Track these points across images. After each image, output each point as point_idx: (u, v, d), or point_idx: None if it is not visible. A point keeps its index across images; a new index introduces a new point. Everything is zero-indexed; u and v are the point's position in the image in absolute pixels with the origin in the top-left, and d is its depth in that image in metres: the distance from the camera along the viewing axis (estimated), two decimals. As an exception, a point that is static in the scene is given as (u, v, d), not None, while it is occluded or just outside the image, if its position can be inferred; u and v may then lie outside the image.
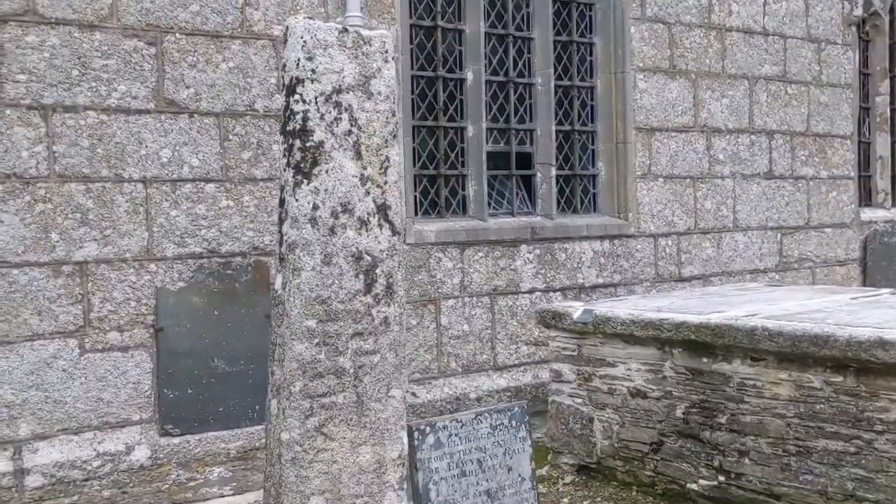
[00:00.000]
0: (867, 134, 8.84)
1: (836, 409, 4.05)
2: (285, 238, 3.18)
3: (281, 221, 3.23)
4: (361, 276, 3.26)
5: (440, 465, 3.70)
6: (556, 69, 6.59)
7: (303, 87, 3.19)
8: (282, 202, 3.24)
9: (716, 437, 4.49)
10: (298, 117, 3.18)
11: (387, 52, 3.38)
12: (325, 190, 3.20)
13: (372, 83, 3.33)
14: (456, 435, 3.76)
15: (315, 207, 3.18)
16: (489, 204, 6.29)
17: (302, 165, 3.18)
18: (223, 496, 4.98)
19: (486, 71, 6.25)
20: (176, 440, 4.91)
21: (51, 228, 4.61)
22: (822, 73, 8.04)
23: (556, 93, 6.60)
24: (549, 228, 6.40)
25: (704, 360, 4.54)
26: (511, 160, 6.47)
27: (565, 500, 4.83)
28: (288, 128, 3.21)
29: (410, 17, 5.90)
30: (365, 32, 3.35)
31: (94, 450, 4.70)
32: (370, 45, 3.34)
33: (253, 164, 5.16)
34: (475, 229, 6.06)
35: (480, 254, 6.04)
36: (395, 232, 3.37)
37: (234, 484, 5.02)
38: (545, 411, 5.45)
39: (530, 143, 6.57)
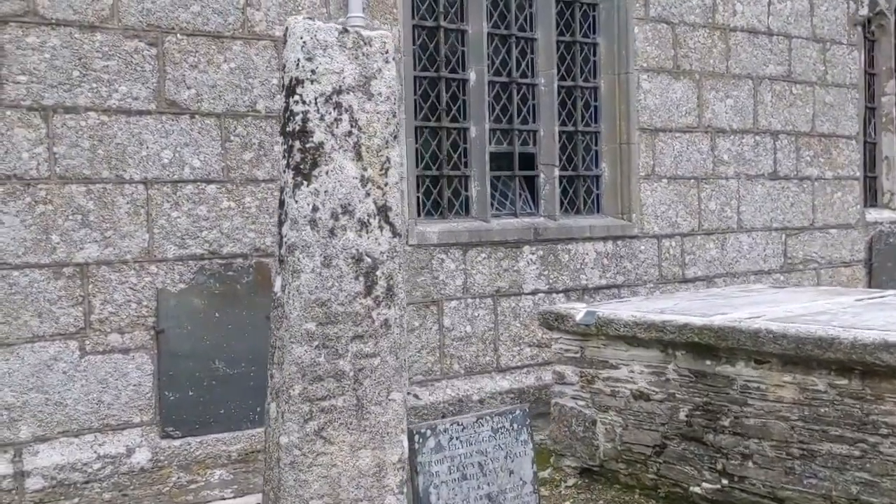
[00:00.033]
0: (873, 134, 8.79)
1: (841, 413, 4.01)
2: (285, 240, 3.17)
3: (280, 223, 3.21)
4: (362, 279, 3.24)
5: (441, 469, 3.68)
6: (559, 69, 6.56)
7: (302, 87, 3.17)
8: (281, 204, 3.22)
9: (719, 440, 4.45)
10: (298, 118, 3.17)
11: (387, 52, 3.36)
12: (325, 191, 3.18)
13: (372, 84, 3.31)
14: (457, 438, 3.74)
15: (315, 209, 3.16)
16: (492, 205, 6.26)
17: (302, 167, 3.16)
18: (224, 499, 4.96)
19: (488, 71, 6.22)
20: (177, 442, 4.89)
21: (51, 230, 4.59)
22: (828, 73, 7.99)
23: (559, 93, 6.57)
24: (552, 229, 6.37)
25: (708, 362, 4.50)
26: (514, 161, 6.44)
27: (567, 502, 4.81)
28: (287, 129, 3.20)
29: (413, 17, 5.88)
30: (365, 33, 3.33)
31: (95, 452, 4.68)
32: (370, 46, 3.31)
33: (254, 165, 5.14)
34: (478, 230, 6.03)
35: (483, 255, 6.02)
36: (395, 234, 3.34)
37: (235, 486, 5.00)
38: (548, 413, 5.42)
39: (533, 143, 6.55)
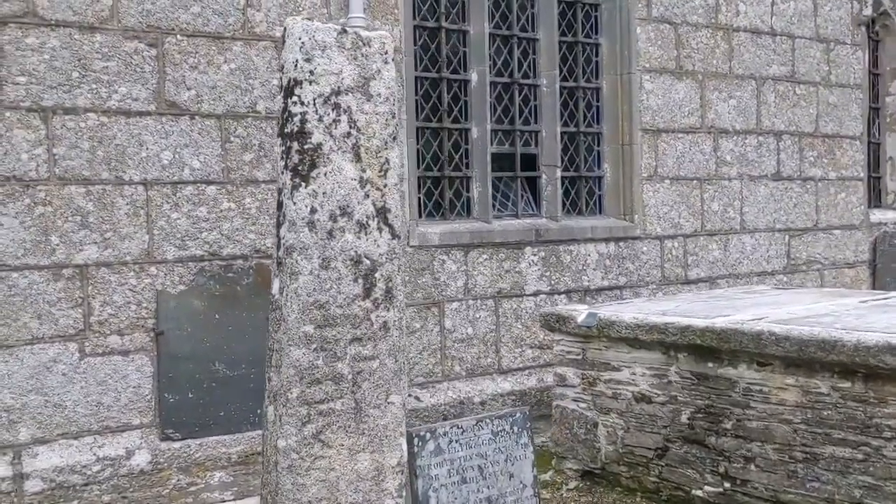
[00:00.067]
0: (877, 134, 8.75)
1: (844, 416, 3.98)
2: (283, 242, 3.14)
3: (278, 225, 3.19)
4: (360, 281, 3.22)
5: (440, 472, 3.65)
6: (561, 70, 6.54)
7: (301, 88, 3.15)
8: (279, 205, 3.20)
9: (721, 443, 4.43)
10: (296, 119, 3.15)
11: (386, 53, 3.33)
12: (324, 193, 3.16)
13: (371, 85, 3.29)
14: (456, 441, 3.71)
15: (313, 211, 3.14)
16: (493, 206, 6.24)
17: (300, 168, 3.14)
18: (224, 501, 4.94)
19: (490, 72, 6.20)
20: (176, 445, 4.87)
21: (51, 231, 4.58)
22: (831, 73, 7.96)
23: (561, 94, 6.54)
24: (554, 230, 6.35)
25: (710, 364, 4.48)
26: (516, 162, 6.41)
27: (569, 505, 4.79)
28: (286, 130, 3.18)
29: (414, 17, 5.86)
30: (364, 33, 3.31)
31: (94, 454, 4.66)
32: (369, 47, 3.29)
33: (255, 166, 5.13)
34: (479, 231, 6.01)
35: (485, 256, 6.00)
36: (394, 235, 3.32)
37: (235, 489, 4.98)
38: (550, 415, 5.40)
39: (535, 144, 6.52)
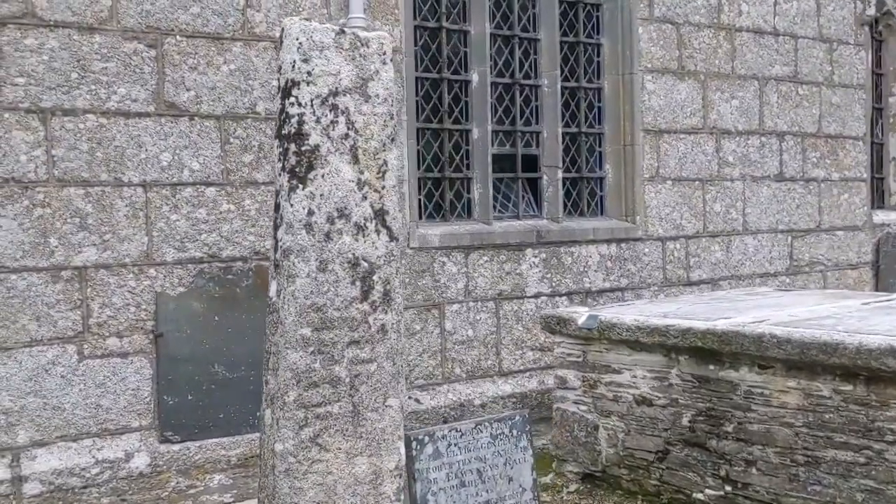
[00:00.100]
0: (880, 135, 8.71)
1: (846, 419, 3.95)
2: (280, 244, 3.13)
3: (276, 227, 3.17)
4: (358, 283, 3.20)
5: (439, 476, 3.63)
6: (562, 70, 6.51)
7: (298, 89, 3.13)
8: (277, 207, 3.18)
9: (722, 446, 4.40)
10: (294, 120, 3.13)
11: (385, 53, 3.31)
12: (321, 195, 3.14)
13: (370, 85, 3.27)
14: (455, 445, 3.69)
15: (310, 213, 3.12)
16: (494, 207, 6.22)
17: (297, 170, 3.12)
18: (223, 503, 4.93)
19: (491, 72, 6.18)
20: (176, 447, 4.85)
21: (49, 233, 4.56)
22: (834, 73, 7.93)
23: (562, 94, 6.52)
24: (555, 232, 6.32)
25: (711, 367, 4.45)
26: (517, 163, 6.39)
27: (570, 508, 4.77)
28: (283, 131, 3.16)
29: (415, 18, 5.84)
30: (362, 34, 3.29)
31: (93, 457, 4.65)
32: (368, 47, 3.27)
33: (254, 167, 5.11)
34: (480, 233, 5.99)
35: (485, 258, 5.97)
36: (392, 238, 3.30)
37: (235, 491, 4.97)
38: (551, 418, 5.37)
39: (536, 145, 6.50)
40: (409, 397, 5.57)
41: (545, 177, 6.48)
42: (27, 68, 4.49)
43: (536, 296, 6.19)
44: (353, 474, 3.17)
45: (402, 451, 3.29)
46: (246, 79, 5.07)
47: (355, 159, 3.21)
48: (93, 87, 4.65)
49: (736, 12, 7.20)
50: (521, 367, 6.13)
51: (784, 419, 4.16)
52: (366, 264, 3.21)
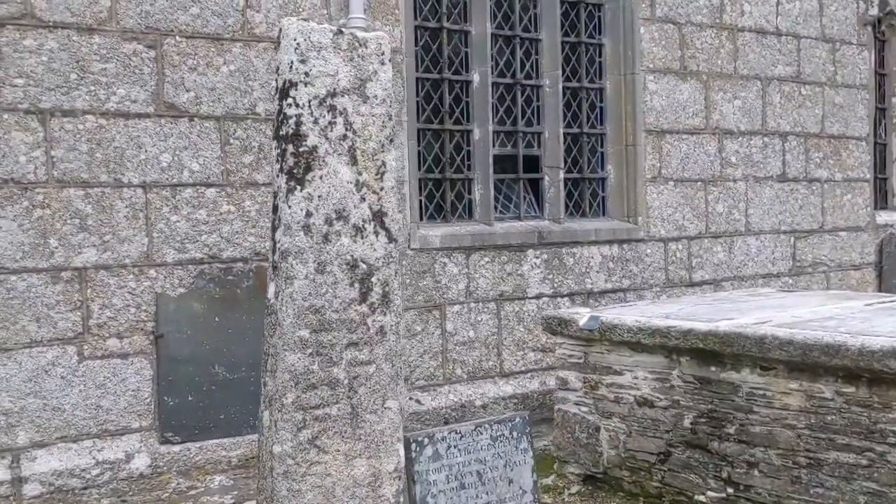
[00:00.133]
0: (883, 135, 8.68)
1: (848, 421, 3.93)
2: (278, 245, 3.12)
3: (274, 229, 3.16)
4: (356, 285, 3.19)
5: (438, 478, 3.62)
6: (564, 71, 6.50)
7: (296, 90, 3.12)
8: (275, 209, 3.17)
9: (724, 448, 4.38)
10: (291, 122, 3.12)
11: (383, 54, 3.30)
12: (319, 196, 3.13)
13: (368, 86, 3.26)
14: (455, 447, 3.68)
15: (308, 214, 3.11)
16: (496, 208, 6.20)
17: (295, 171, 3.11)
18: (223, 505, 4.92)
19: (492, 73, 6.16)
20: (176, 448, 4.85)
21: (49, 234, 4.56)
22: (837, 73, 7.90)
23: (564, 95, 6.50)
24: (557, 233, 6.30)
25: (713, 368, 4.43)
26: (518, 163, 6.37)
27: (571, 510, 4.75)
28: (281, 132, 3.15)
29: (415, 18, 5.82)
30: (360, 34, 3.28)
31: (93, 458, 4.64)
32: (366, 48, 3.26)
33: (254, 168, 5.10)
34: (481, 234, 5.97)
35: (486, 259, 5.96)
36: (391, 239, 3.29)
37: (235, 493, 4.96)
38: (552, 419, 5.35)
39: (538, 145, 6.48)
40: (410, 398, 5.56)
41: (547, 177, 6.46)
42: (26, 69, 4.49)
43: (538, 297, 6.17)
44: (352, 476, 3.16)
45: (402, 452, 3.28)
46: (246, 79, 5.06)
47: (353, 160, 3.20)
48: (92, 87, 4.65)
49: (738, 12, 7.18)
50: (523, 368, 6.11)
51: (786, 421, 4.14)
52: (364, 266, 3.20)
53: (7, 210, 4.46)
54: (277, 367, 3.06)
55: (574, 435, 5.09)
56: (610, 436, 4.92)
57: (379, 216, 3.24)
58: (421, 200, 5.85)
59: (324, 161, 3.13)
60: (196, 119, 4.92)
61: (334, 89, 3.16)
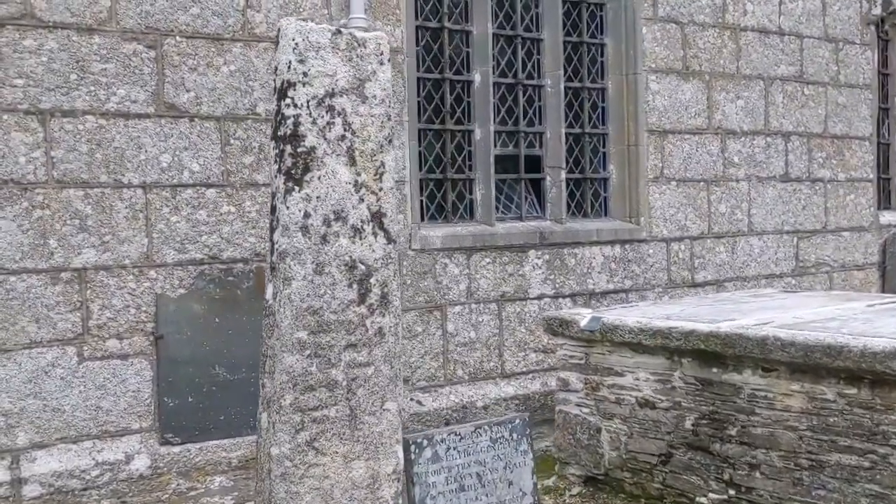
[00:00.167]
0: (886, 135, 8.65)
1: (850, 423, 3.91)
2: (276, 246, 3.10)
3: (272, 229, 3.15)
4: (355, 286, 3.17)
5: (438, 480, 3.60)
6: (565, 70, 6.48)
7: (294, 90, 3.10)
8: (273, 209, 3.16)
9: (726, 450, 4.36)
10: (289, 122, 3.10)
11: (382, 54, 3.29)
12: (318, 197, 3.12)
13: (367, 86, 3.25)
14: (454, 448, 3.66)
15: (306, 215, 3.09)
16: (497, 208, 6.18)
17: (293, 172, 3.09)
18: (224, 506, 4.91)
19: (494, 73, 6.14)
20: (176, 449, 4.84)
21: (49, 235, 4.55)
22: (840, 73, 7.87)
23: (565, 95, 6.48)
24: (559, 233, 6.29)
25: (714, 370, 4.41)
26: (520, 163, 6.35)
27: (572, 512, 4.73)
28: (279, 133, 3.13)
29: (416, 18, 5.81)
30: (359, 34, 3.27)
31: (93, 459, 4.63)
32: (365, 48, 3.25)
33: (255, 168, 5.09)
34: (482, 234, 5.95)
35: (488, 259, 5.94)
36: (390, 240, 3.27)
37: (236, 493, 4.95)
38: (553, 420, 5.34)
39: (539, 145, 6.46)
40: (411, 399, 5.54)
41: (548, 178, 6.44)
42: (26, 69, 4.48)
43: (539, 297, 6.15)
44: (351, 478, 3.14)
45: (401, 454, 3.26)
46: (246, 80, 5.05)
47: (352, 161, 3.19)
48: (92, 88, 4.64)
49: (741, 12, 7.15)
50: (524, 369, 6.10)
51: (788, 423, 4.12)
52: (363, 267, 3.18)
53: (7, 210, 4.45)
54: (275, 368, 3.05)
55: (575, 436, 5.07)
56: (611, 437, 4.90)
57: (378, 217, 3.23)
58: (422, 201, 5.84)
59: (322, 161, 3.11)
60: (196, 119, 4.91)
61: (333, 89, 3.15)
